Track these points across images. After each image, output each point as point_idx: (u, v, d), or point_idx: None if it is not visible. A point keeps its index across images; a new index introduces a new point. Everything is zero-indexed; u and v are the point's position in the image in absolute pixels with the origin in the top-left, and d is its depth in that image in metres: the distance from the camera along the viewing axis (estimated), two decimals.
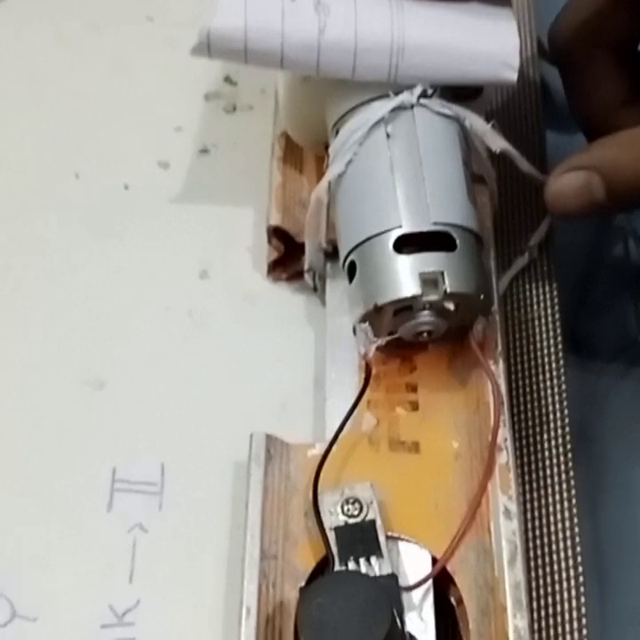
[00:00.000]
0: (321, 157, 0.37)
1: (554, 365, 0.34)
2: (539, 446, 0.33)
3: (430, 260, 0.29)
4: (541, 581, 0.30)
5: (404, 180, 0.30)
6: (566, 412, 0.33)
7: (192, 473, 0.34)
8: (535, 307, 0.36)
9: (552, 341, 0.35)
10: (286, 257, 0.37)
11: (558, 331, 0.35)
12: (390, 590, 0.24)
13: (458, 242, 0.29)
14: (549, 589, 0.30)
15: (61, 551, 0.32)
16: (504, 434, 0.30)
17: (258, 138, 0.41)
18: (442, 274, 0.29)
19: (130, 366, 0.36)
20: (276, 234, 0.36)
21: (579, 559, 0.30)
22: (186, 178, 0.41)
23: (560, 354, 0.34)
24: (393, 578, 0.25)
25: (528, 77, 0.42)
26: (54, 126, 0.43)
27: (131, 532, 0.33)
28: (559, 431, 0.33)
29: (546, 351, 0.35)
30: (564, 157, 0.34)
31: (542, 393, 0.34)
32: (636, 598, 0.32)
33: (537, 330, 0.35)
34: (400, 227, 0.29)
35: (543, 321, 0.35)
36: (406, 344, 0.32)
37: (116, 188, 0.41)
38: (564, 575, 0.30)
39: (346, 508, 0.28)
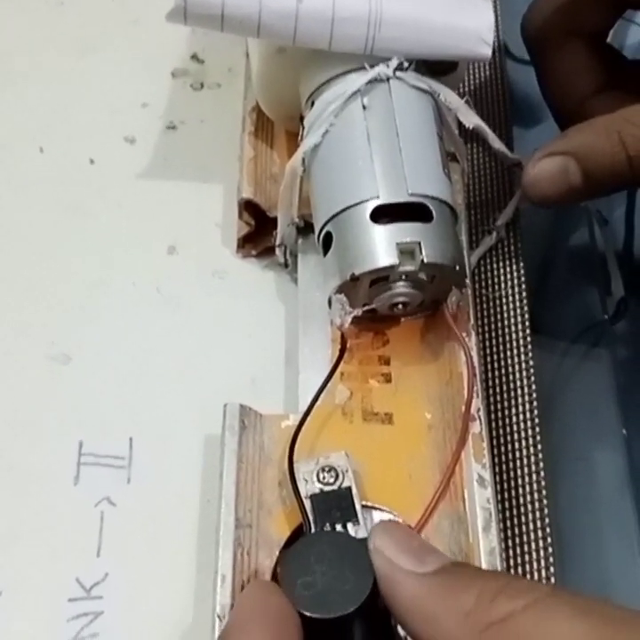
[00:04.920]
0: (292, 134, 0.37)
1: (521, 342, 0.35)
2: (507, 420, 0.33)
3: (407, 231, 0.29)
4: (511, 552, 0.31)
5: (381, 151, 0.30)
6: (534, 387, 0.34)
7: (161, 447, 0.33)
8: (502, 285, 0.36)
9: (519, 319, 0.35)
10: (256, 233, 0.37)
11: (525, 308, 0.35)
12: (355, 542, 0.24)
13: (434, 213, 0.30)
14: (520, 560, 0.31)
15: (27, 525, 0.32)
16: (477, 404, 0.30)
17: (226, 115, 0.41)
18: (419, 244, 0.29)
19: (96, 341, 0.36)
20: (247, 208, 0.36)
21: (548, 530, 0.31)
22: (153, 153, 0.41)
23: (527, 331, 0.35)
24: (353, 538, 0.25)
25: (496, 65, 0.42)
26: (17, 100, 0.42)
27: (98, 506, 0.32)
28: (527, 406, 0.33)
29: (513, 328, 0.35)
30: (527, 150, 0.35)
31: (510, 368, 0.34)
32: (592, 566, 0.32)
33: (504, 307, 0.36)
34: (377, 197, 0.30)
35: (511, 299, 0.36)
36: (379, 318, 0.32)
37: (81, 163, 0.40)
38: (533, 546, 0.31)
39: (321, 476, 0.28)
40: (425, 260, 0.29)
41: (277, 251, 0.36)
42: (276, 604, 0.23)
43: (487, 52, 0.31)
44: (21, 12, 0.45)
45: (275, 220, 0.35)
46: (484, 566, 0.28)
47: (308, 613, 0.22)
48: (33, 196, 0.39)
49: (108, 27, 0.44)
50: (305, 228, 0.35)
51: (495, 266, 0.37)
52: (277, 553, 0.28)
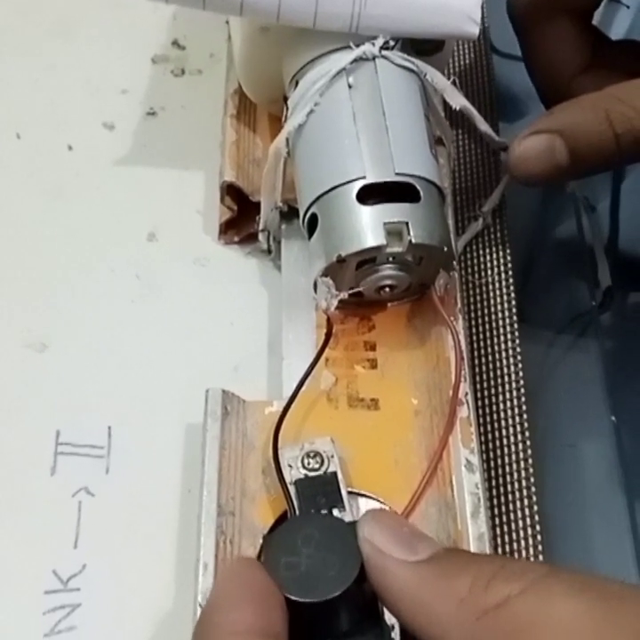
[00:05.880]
0: (275, 117, 0.36)
1: (508, 328, 0.34)
2: (494, 407, 0.33)
3: (394, 211, 0.29)
4: (499, 540, 0.30)
5: (368, 130, 0.29)
6: (521, 373, 0.33)
7: (141, 436, 0.33)
8: (489, 271, 0.36)
9: (506, 305, 0.35)
10: (238, 219, 0.36)
11: (512, 294, 0.35)
12: (345, 527, 0.24)
13: (422, 193, 0.29)
14: (508, 548, 0.30)
15: (2, 515, 0.31)
16: (465, 388, 0.30)
17: (207, 101, 0.40)
18: (406, 224, 0.28)
19: (74, 328, 0.35)
20: (230, 192, 0.35)
21: (536, 517, 0.30)
22: (132, 139, 0.40)
23: (514, 317, 0.34)
24: (344, 521, 0.24)
25: (480, 53, 0.42)
26: None
27: (75, 496, 0.31)
28: (514, 392, 0.33)
29: (500, 314, 0.34)
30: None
31: (497, 355, 0.34)
32: (579, 552, 0.32)
33: (491, 294, 0.35)
34: (364, 177, 0.29)
35: (497, 285, 0.35)
36: (365, 303, 0.32)
37: (59, 149, 0.40)
38: (522, 534, 0.30)
39: (306, 461, 0.28)
40: (413, 241, 0.28)
41: (260, 236, 0.35)
42: (261, 580, 0.22)
43: (474, 30, 0.31)
44: None
45: (257, 206, 0.34)
46: (472, 552, 0.27)
47: (289, 596, 0.22)
48: (10, 183, 0.39)
49: (88, 12, 0.44)
50: (288, 213, 0.34)
51: (481, 252, 0.36)
52: (261, 540, 0.27)
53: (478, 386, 0.33)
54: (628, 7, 0.42)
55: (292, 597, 0.22)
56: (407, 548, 0.22)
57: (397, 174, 0.29)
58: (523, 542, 0.30)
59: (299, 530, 0.22)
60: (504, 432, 0.32)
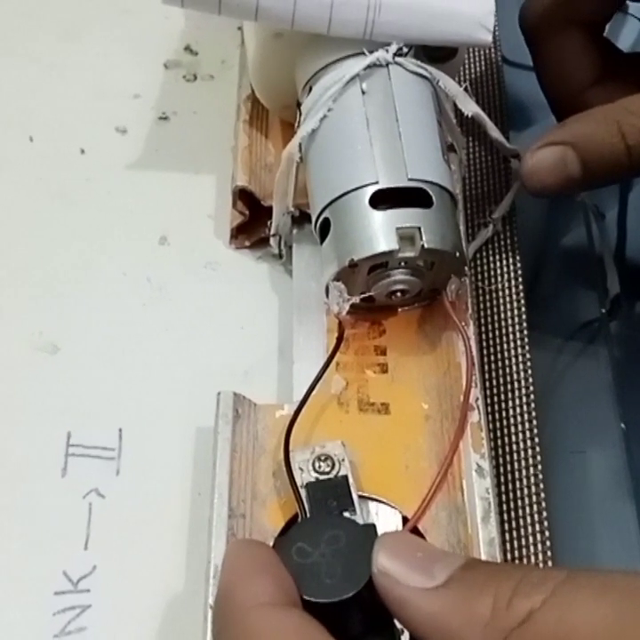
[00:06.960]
0: (287, 123, 0.36)
1: (518, 335, 0.34)
2: (504, 413, 0.33)
3: (407, 216, 0.29)
4: (508, 545, 0.30)
5: (381, 135, 0.30)
6: (531, 380, 0.33)
7: (151, 438, 0.33)
8: (499, 278, 0.36)
9: (516, 311, 0.35)
10: (250, 224, 0.36)
11: (522, 301, 0.35)
12: (370, 538, 0.23)
13: (434, 199, 0.29)
14: (516, 553, 0.30)
15: (13, 516, 0.31)
16: (476, 393, 0.30)
17: (219, 107, 0.41)
18: (419, 229, 0.29)
19: (85, 331, 0.35)
20: (242, 197, 0.35)
21: (545, 523, 0.30)
22: (145, 143, 0.40)
23: (524, 324, 0.34)
24: (372, 527, 0.24)
25: (491, 61, 0.42)
26: (7, 89, 0.42)
27: (86, 498, 0.31)
28: (524, 399, 0.33)
29: (510, 321, 0.35)
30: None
31: (507, 362, 0.34)
32: (588, 559, 0.32)
33: (501, 300, 0.35)
34: (376, 182, 0.29)
35: (507, 292, 0.35)
36: (376, 308, 0.32)
37: (71, 152, 0.40)
38: (531, 540, 0.30)
39: (317, 464, 0.28)
40: (425, 246, 0.28)
41: (272, 240, 0.35)
42: (270, 554, 0.22)
43: (487, 37, 0.31)
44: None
45: (269, 211, 0.35)
46: (483, 557, 0.27)
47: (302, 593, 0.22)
48: (23, 185, 0.39)
49: (101, 17, 0.44)
50: (300, 218, 0.34)
51: (491, 259, 0.36)
52: (272, 543, 0.27)
53: (488, 392, 0.33)
54: (638, 19, 0.43)
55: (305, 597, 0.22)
56: (424, 574, 0.21)
57: (410, 180, 0.29)
58: (532, 548, 0.30)
59: (330, 527, 0.22)
60: (513, 438, 0.32)
